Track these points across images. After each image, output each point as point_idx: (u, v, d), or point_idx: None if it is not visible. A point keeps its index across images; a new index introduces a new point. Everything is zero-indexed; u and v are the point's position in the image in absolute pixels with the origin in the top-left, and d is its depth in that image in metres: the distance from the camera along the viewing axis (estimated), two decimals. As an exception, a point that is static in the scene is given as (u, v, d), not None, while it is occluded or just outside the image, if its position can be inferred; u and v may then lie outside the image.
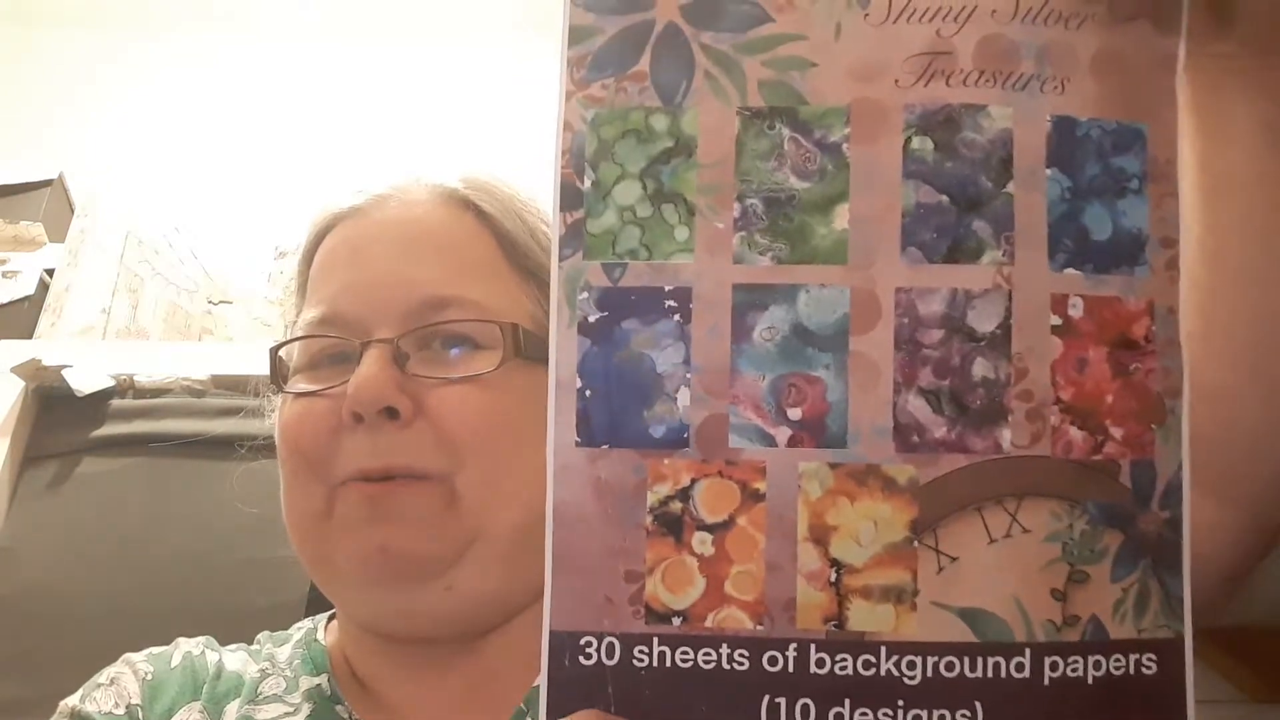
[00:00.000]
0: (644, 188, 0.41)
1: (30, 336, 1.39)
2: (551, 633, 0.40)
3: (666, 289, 0.40)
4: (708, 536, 0.40)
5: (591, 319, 0.40)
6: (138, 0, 2.01)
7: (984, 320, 0.41)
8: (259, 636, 0.72)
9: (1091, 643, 0.40)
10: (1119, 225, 0.41)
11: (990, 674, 0.40)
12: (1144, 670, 0.40)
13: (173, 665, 0.67)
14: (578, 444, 0.40)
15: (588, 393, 0.40)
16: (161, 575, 1.06)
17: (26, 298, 1.43)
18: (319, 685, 0.65)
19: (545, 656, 0.40)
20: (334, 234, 0.68)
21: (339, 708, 0.64)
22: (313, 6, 2.04)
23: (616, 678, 0.40)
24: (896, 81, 0.41)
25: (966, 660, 0.40)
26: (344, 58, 2.04)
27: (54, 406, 1.19)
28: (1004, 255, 0.41)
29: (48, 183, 1.62)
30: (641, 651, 0.40)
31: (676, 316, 0.40)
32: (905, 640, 0.40)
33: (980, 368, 0.40)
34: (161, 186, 1.66)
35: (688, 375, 0.40)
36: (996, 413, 0.40)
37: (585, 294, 0.41)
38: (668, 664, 0.40)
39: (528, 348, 0.61)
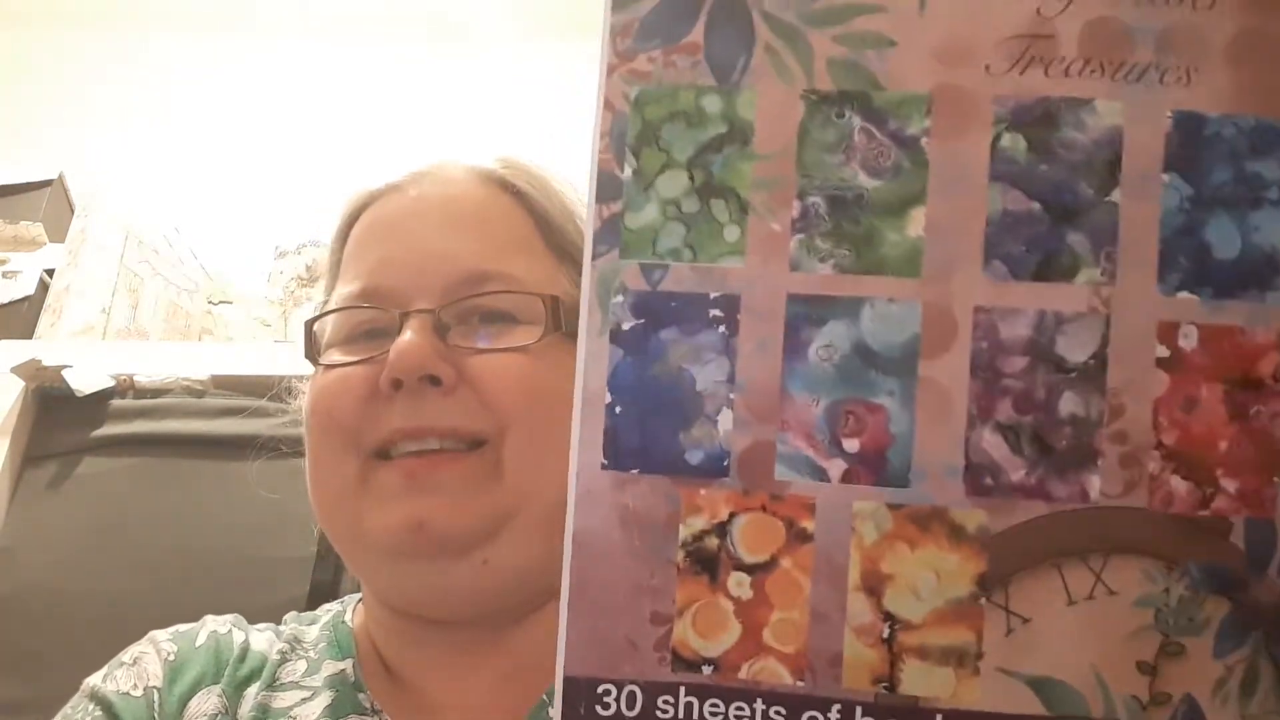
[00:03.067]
0: (691, 179, 0.40)
1: (30, 336, 1.48)
2: (566, 679, 0.39)
3: (712, 296, 0.39)
4: (746, 578, 0.40)
5: (625, 326, 0.40)
6: (138, 1, 2.11)
7: (1076, 348, 0.39)
8: (286, 616, 0.76)
9: None
10: (1250, 242, 0.39)
11: None
12: None
13: (198, 644, 0.71)
14: (604, 466, 0.39)
15: (618, 409, 0.40)
16: (162, 575, 1.12)
17: (26, 298, 1.52)
18: (343, 671, 0.68)
19: (559, 706, 0.39)
20: (370, 211, 0.72)
21: (361, 696, 0.67)
22: (313, 6, 2.11)
23: None
24: (988, 68, 0.40)
25: None
26: (345, 57, 2.12)
27: (54, 406, 1.27)
28: (1103, 274, 0.39)
29: (48, 183, 1.72)
30: (666, 702, 0.40)
31: (722, 328, 0.40)
32: (965, 709, 0.39)
33: (1069, 403, 0.39)
34: (161, 186, 1.75)
35: (731, 395, 0.39)
36: (1085, 455, 0.39)
37: (620, 297, 0.40)
38: (695, 718, 0.40)
39: (568, 323, 0.64)
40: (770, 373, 0.39)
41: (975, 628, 0.39)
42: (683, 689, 0.39)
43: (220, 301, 1.67)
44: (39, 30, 2.15)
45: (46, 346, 1.37)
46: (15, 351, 1.31)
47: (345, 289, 0.70)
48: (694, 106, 0.40)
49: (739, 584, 0.39)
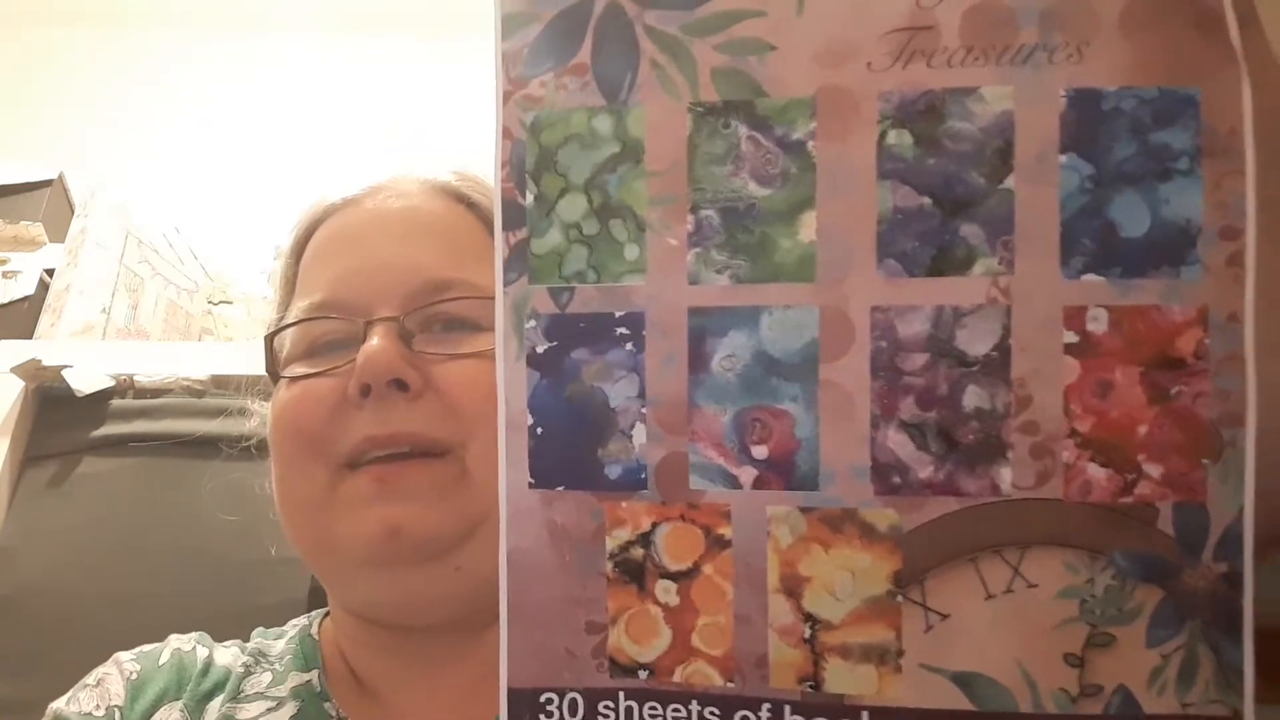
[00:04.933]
0: (590, 201, 0.43)
1: (30, 336, 1.55)
2: (510, 690, 0.43)
3: (617, 315, 0.42)
4: (672, 585, 0.44)
5: (540, 350, 0.43)
6: (138, 1, 2.21)
7: (976, 341, 0.41)
8: (254, 632, 0.82)
9: (1118, 717, 0.41)
10: (1160, 216, 0.40)
11: None
12: None
13: (160, 663, 0.77)
14: (531, 485, 0.43)
15: (539, 430, 0.44)
16: (162, 575, 1.17)
17: (26, 298, 1.59)
18: (309, 681, 0.74)
19: (504, 717, 0.44)
20: (327, 225, 0.77)
21: (326, 705, 0.72)
22: (314, 5, 2.16)
23: None
24: (869, 65, 0.41)
25: None
26: (345, 56, 2.16)
27: (54, 406, 1.33)
28: (1001, 263, 0.40)
29: (48, 183, 1.80)
30: (607, 707, 0.44)
31: (629, 345, 0.43)
32: (891, 705, 0.42)
33: (973, 396, 0.41)
34: (161, 186, 1.83)
35: (643, 410, 0.42)
36: (993, 449, 0.41)
37: (532, 322, 0.43)
38: None
39: None
40: (678, 386, 0.43)
41: (894, 625, 0.41)
42: (621, 694, 0.44)
43: (220, 301, 1.74)
44: (39, 30, 2.26)
45: (46, 346, 1.42)
46: (15, 351, 1.36)
47: (305, 301, 0.74)
48: (587, 128, 0.43)
49: (666, 591, 0.43)
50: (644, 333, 0.43)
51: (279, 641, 0.80)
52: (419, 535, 0.67)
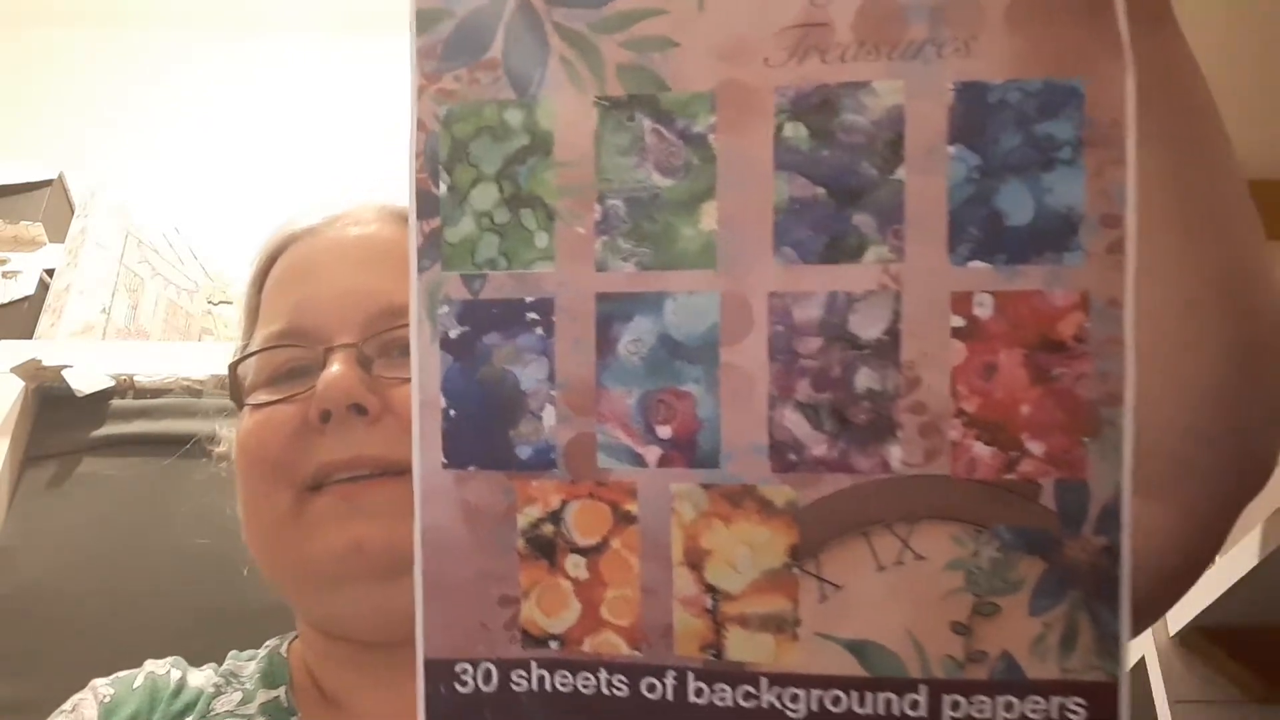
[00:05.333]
0: (501, 191, 0.45)
1: (30, 336, 1.57)
2: (426, 661, 0.45)
3: (528, 300, 0.45)
4: (581, 560, 0.46)
5: (453, 334, 0.45)
6: (138, 1, 2.21)
7: (867, 325, 0.43)
8: (229, 654, 0.84)
9: (1003, 682, 0.43)
10: (1044, 205, 0.42)
11: (881, 710, 0.44)
12: (1069, 715, 0.43)
13: (135, 686, 0.79)
14: (445, 466, 0.45)
15: (452, 412, 0.46)
16: (162, 575, 1.19)
17: (26, 298, 1.61)
18: (276, 698, 0.76)
19: (421, 686, 0.46)
20: (287, 255, 0.81)
21: (293, 719, 0.75)
22: (314, 5, 2.17)
23: (495, 705, 0.46)
24: (766, 60, 0.43)
25: (855, 695, 0.44)
26: (345, 56, 2.17)
27: (54, 406, 1.35)
28: (891, 251, 0.43)
29: (48, 183, 1.82)
30: (520, 676, 0.47)
31: (539, 330, 0.45)
32: (787, 672, 0.45)
33: (864, 378, 0.43)
34: (161, 186, 1.84)
35: (552, 392, 0.45)
36: (884, 428, 0.43)
37: (445, 308, 0.45)
38: (548, 688, 0.46)
39: None
40: (586, 369, 0.45)
41: (791, 596, 0.44)
42: (534, 663, 0.46)
43: (220, 301, 1.76)
44: (39, 30, 2.27)
45: (46, 346, 1.45)
46: (15, 351, 1.38)
47: (266, 330, 0.77)
48: (498, 121, 0.45)
49: (575, 565, 0.45)
50: (553, 318, 0.45)
51: (250, 663, 0.82)
52: (381, 551, 0.69)
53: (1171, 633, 1.19)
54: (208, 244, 1.86)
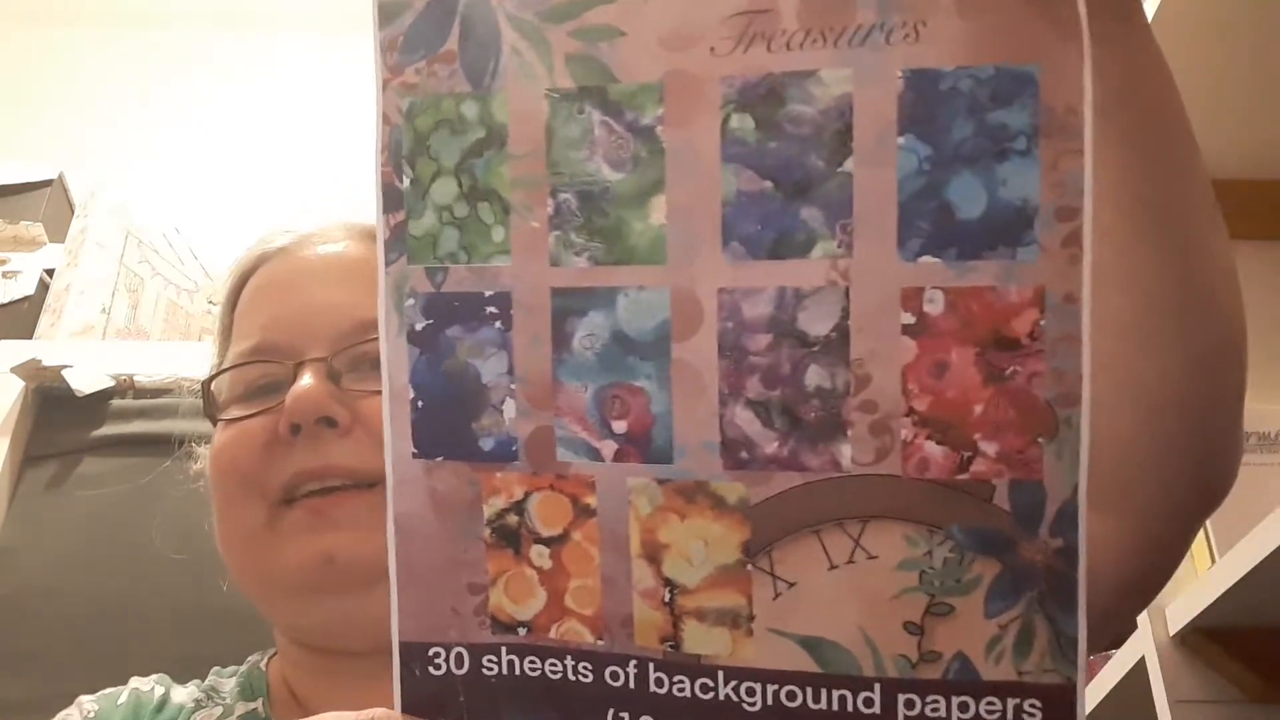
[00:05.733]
0: (460, 184, 0.45)
1: (30, 336, 1.60)
2: (401, 644, 0.47)
3: (486, 294, 0.45)
4: (545, 550, 0.47)
5: (418, 327, 0.46)
6: (138, 1, 2.21)
7: (816, 322, 0.42)
8: (211, 670, 0.87)
9: (956, 682, 0.43)
10: (997, 197, 0.41)
11: (835, 707, 0.44)
12: (1025, 717, 0.43)
13: (119, 703, 0.82)
14: (414, 455, 0.46)
15: (420, 403, 0.47)
16: (161, 575, 1.21)
17: (26, 298, 1.65)
18: (254, 709, 0.79)
19: (396, 668, 0.47)
20: (259, 274, 0.83)
21: None
22: (314, 5, 2.15)
23: (468, 687, 0.47)
24: (713, 49, 0.42)
25: (809, 691, 0.44)
26: (345, 56, 2.15)
27: (54, 406, 1.38)
28: (840, 246, 0.42)
29: (48, 183, 1.85)
30: (490, 661, 0.48)
31: (498, 324, 0.45)
32: (743, 666, 0.45)
33: (814, 376, 0.43)
34: (161, 186, 1.87)
35: (512, 386, 0.45)
36: (834, 426, 0.43)
37: (411, 300, 0.46)
38: (517, 672, 0.47)
39: None
40: (543, 364, 0.45)
41: (745, 591, 0.44)
42: (504, 649, 0.47)
43: (218, 304, 1.79)
44: (39, 30, 2.32)
45: (46, 346, 1.49)
46: (15, 351, 1.42)
47: (239, 347, 0.80)
48: (455, 113, 0.46)
49: (539, 555, 0.46)
50: (511, 312, 0.45)
51: (230, 679, 0.85)
52: (352, 562, 0.72)
53: (1171, 633, 1.16)
54: (208, 244, 1.90)
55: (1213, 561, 1.20)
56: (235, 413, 0.78)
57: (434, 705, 0.48)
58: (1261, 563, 0.96)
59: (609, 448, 0.45)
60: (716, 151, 0.43)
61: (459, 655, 0.48)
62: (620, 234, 0.44)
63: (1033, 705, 0.42)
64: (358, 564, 0.72)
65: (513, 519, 0.46)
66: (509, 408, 0.46)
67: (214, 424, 0.81)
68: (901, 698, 0.43)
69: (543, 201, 0.45)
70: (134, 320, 1.70)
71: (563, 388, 0.45)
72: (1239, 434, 0.54)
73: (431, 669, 0.48)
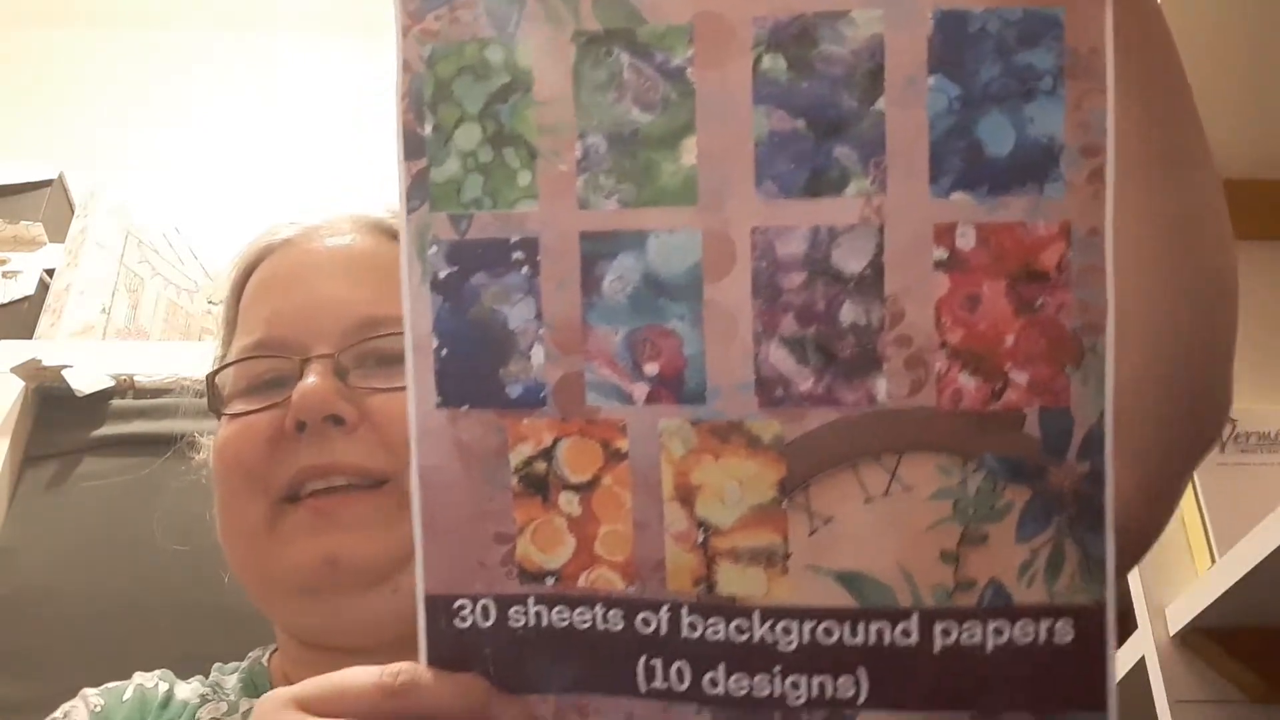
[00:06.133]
0: (484, 130, 0.45)
1: (30, 336, 1.60)
2: (427, 597, 0.47)
3: (512, 240, 0.45)
4: (574, 496, 0.47)
5: (442, 275, 0.46)
6: (138, 1, 2.20)
7: (851, 259, 0.44)
8: (214, 667, 0.87)
9: (991, 608, 0.44)
10: (1025, 135, 0.42)
11: (873, 640, 0.45)
12: (1057, 638, 0.44)
13: (124, 699, 0.81)
14: (439, 405, 0.47)
15: (444, 352, 0.47)
16: (161, 575, 1.21)
17: (26, 298, 1.64)
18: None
19: (422, 620, 0.47)
20: (264, 266, 0.82)
21: None
22: (314, 5, 2.16)
23: (493, 639, 0.47)
24: None
25: (847, 626, 0.45)
26: (345, 56, 2.17)
27: (54, 406, 1.38)
28: (873, 184, 0.43)
29: (48, 183, 1.84)
30: (517, 612, 0.48)
31: (525, 269, 0.46)
32: (779, 605, 0.46)
33: (849, 312, 0.44)
34: (161, 186, 1.87)
35: (540, 331, 0.46)
36: (869, 361, 0.44)
37: (434, 248, 0.46)
38: (544, 624, 0.48)
39: None
40: (572, 308, 0.46)
41: (780, 529, 0.45)
42: (531, 599, 0.47)
43: (220, 301, 1.79)
44: (39, 30, 2.30)
45: (46, 346, 1.48)
46: (15, 351, 1.42)
47: (244, 341, 0.79)
48: (479, 59, 0.46)
49: (568, 502, 0.47)
50: (538, 257, 0.46)
51: (232, 675, 0.85)
52: (356, 564, 0.72)
53: (1171, 633, 1.21)
54: (208, 244, 1.89)
55: (1213, 561, 1.23)
56: (240, 407, 0.78)
57: (460, 658, 0.48)
58: (1261, 563, 0.99)
59: (640, 390, 0.45)
60: (748, 92, 0.43)
61: (485, 607, 0.48)
62: (650, 176, 0.45)
63: (1065, 625, 0.44)
64: (360, 564, 0.72)
65: (541, 466, 0.47)
66: (537, 353, 0.46)
67: (218, 418, 0.80)
68: (938, 626, 0.44)
69: (570, 145, 0.45)
70: (134, 320, 1.68)
71: (593, 331, 0.46)
72: (1230, 376, 0.57)
73: (458, 621, 0.48)
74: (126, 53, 2.37)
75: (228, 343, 0.84)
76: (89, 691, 0.83)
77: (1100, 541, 0.43)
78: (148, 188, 1.89)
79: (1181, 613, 1.18)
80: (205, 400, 0.81)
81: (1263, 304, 1.24)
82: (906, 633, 0.44)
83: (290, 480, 0.74)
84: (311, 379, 0.73)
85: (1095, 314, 0.42)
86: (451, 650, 0.48)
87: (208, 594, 1.14)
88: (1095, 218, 0.42)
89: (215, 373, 0.81)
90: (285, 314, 0.78)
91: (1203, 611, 1.13)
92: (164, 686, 0.83)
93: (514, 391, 0.46)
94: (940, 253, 0.43)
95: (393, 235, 0.81)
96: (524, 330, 0.46)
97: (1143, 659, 1.24)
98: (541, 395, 0.46)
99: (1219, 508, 1.23)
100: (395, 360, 0.73)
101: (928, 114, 0.43)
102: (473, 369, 0.47)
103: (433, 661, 0.48)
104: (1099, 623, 0.44)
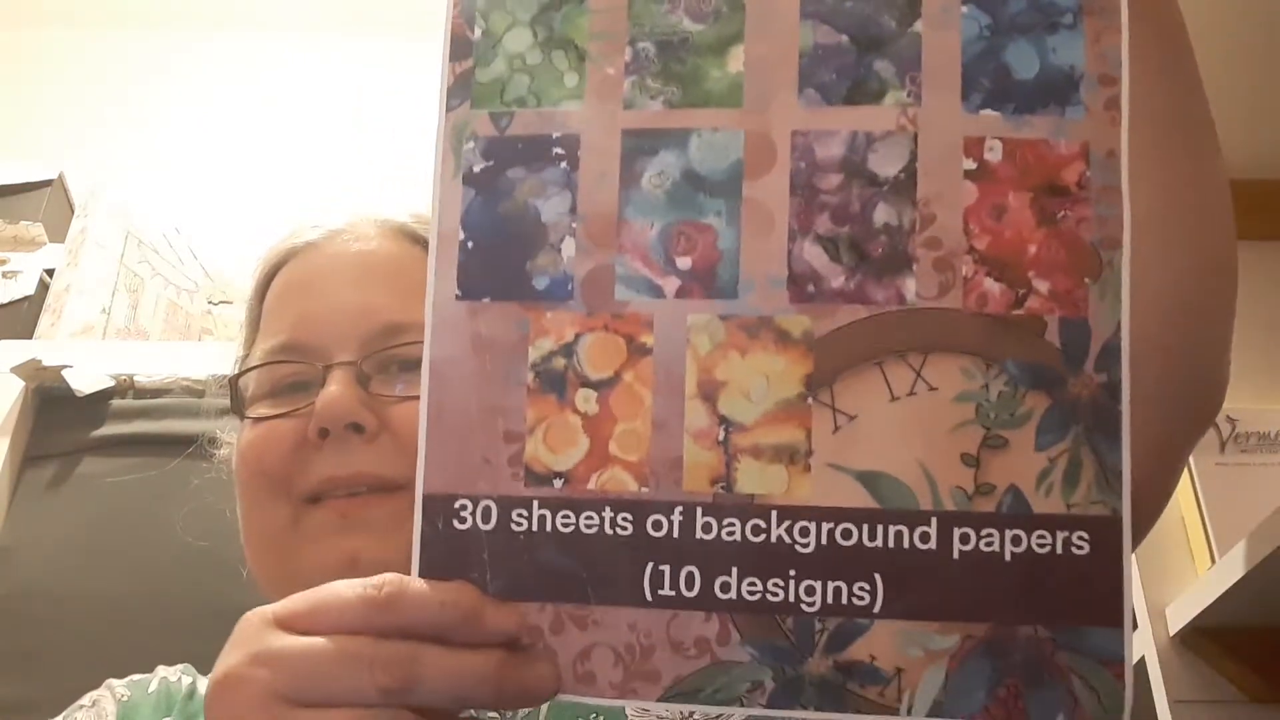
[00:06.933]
0: (534, 35, 0.48)
1: (30, 336, 1.60)
2: (425, 496, 0.46)
3: (554, 136, 0.47)
4: (592, 394, 0.47)
5: (476, 169, 0.47)
6: (139, 1, 2.32)
7: (886, 164, 0.47)
8: None
9: (1010, 515, 0.45)
10: (1048, 62, 0.47)
11: (891, 543, 0.45)
12: (1073, 549, 0.45)
13: (150, 691, 0.82)
14: (458, 297, 0.47)
15: (470, 244, 0.47)
16: (161, 575, 1.22)
17: (26, 298, 1.64)
18: None
19: (418, 521, 0.46)
20: (288, 268, 0.84)
21: None
22: (314, 5, 2.30)
23: (493, 543, 0.46)
24: None
25: (865, 528, 0.46)
26: (345, 56, 2.28)
27: (54, 406, 1.38)
28: (909, 96, 0.47)
29: (48, 183, 1.86)
30: (520, 515, 0.47)
31: (564, 164, 0.47)
32: (798, 504, 0.46)
33: (882, 213, 0.47)
34: (161, 186, 1.90)
35: (573, 225, 0.47)
36: (900, 261, 0.46)
37: (471, 143, 0.47)
38: (548, 529, 0.46)
39: None
40: (608, 202, 0.47)
41: (804, 426, 0.46)
42: (535, 502, 0.46)
43: (220, 301, 1.80)
44: (39, 30, 2.34)
45: (46, 346, 1.49)
46: (15, 351, 1.42)
47: (267, 344, 0.80)
48: None
49: (585, 400, 0.47)
50: (579, 153, 0.47)
51: None
52: (376, 564, 0.71)
53: (1171, 633, 1.21)
54: (208, 244, 1.89)
55: (1213, 561, 1.24)
56: (263, 411, 0.78)
57: (455, 563, 0.46)
58: (1261, 563, 0.99)
59: (671, 284, 0.47)
60: (796, 7, 0.47)
61: (486, 509, 0.46)
62: (697, 79, 0.47)
63: (1080, 538, 0.44)
64: (381, 566, 0.70)
65: (560, 362, 0.47)
66: (568, 246, 0.47)
67: (240, 419, 0.81)
68: (957, 531, 0.45)
69: (620, 50, 0.48)
70: (134, 320, 1.65)
71: (627, 224, 0.47)
72: (1228, 356, 0.59)
73: (456, 522, 0.46)
74: (127, 53, 2.35)
75: (250, 343, 0.85)
76: (114, 682, 0.83)
77: (1117, 452, 0.45)
78: (148, 188, 1.86)
79: (1181, 613, 1.18)
80: (203, 399, 0.79)
81: (1263, 304, 1.24)
82: (925, 537, 0.45)
83: (313, 487, 0.74)
84: (334, 387, 0.74)
85: (1113, 229, 0.46)
86: (447, 554, 0.46)
87: (208, 594, 1.16)
88: (1112, 141, 0.46)
89: (238, 376, 0.82)
90: (308, 319, 0.79)
91: (1203, 611, 1.13)
92: (187, 680, 0.83)
93: (540, 284, 0.47)
94: (969, 163, 0.46)
95: (416, 240, 0.83)
96: (556, 223, 0.47)
97: (1143, 659, 1.22)
98: (569, 288, 0.47)
99: (1219, 508, 1.24)
100: (416, 366, 0.76)
101: (960, 38, 0.47)
102: (498, 262, 0.47)
103: (426, 565, 0.46)
104: (1115, 535, 0.44)
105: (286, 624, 0.45)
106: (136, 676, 0.84)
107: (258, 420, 0.78)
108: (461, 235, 0.48)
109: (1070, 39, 0.47)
